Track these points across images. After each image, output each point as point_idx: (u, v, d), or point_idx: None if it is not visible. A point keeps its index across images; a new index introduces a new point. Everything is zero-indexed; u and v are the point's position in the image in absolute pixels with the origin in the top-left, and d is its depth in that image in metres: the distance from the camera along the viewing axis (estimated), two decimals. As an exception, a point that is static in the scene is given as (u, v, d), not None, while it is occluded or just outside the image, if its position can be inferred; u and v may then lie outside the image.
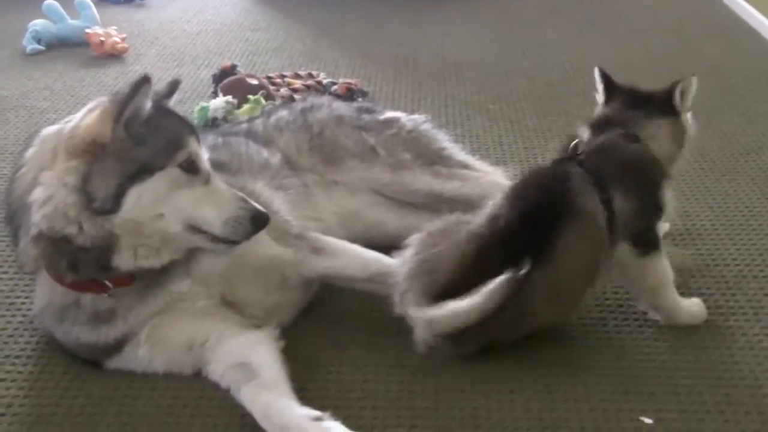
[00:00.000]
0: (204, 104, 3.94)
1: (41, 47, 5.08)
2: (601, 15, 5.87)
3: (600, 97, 2.58)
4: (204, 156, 2.22)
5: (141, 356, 2.22)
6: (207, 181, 2.20)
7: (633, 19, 5.75)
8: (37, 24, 5.17)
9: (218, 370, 2.18)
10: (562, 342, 2.37)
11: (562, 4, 6.13)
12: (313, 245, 2.40)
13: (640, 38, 5.34)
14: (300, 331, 2.35)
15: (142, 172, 2.07)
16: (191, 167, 2.16)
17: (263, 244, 2.31)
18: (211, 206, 2.17)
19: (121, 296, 2.17)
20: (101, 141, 2.05)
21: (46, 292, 2.25)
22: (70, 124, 2.13)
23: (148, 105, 2.11)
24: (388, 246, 2.72)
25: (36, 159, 2.14)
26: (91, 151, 2.06)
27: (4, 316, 2.52)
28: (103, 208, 2.05)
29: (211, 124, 3.84)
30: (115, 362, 2.25)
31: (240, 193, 2.25)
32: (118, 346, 2.21)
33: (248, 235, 2.20)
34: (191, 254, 2.23)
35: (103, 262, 2.11)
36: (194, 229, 2.16)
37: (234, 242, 2.20)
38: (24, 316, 2.50)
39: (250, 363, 2.15)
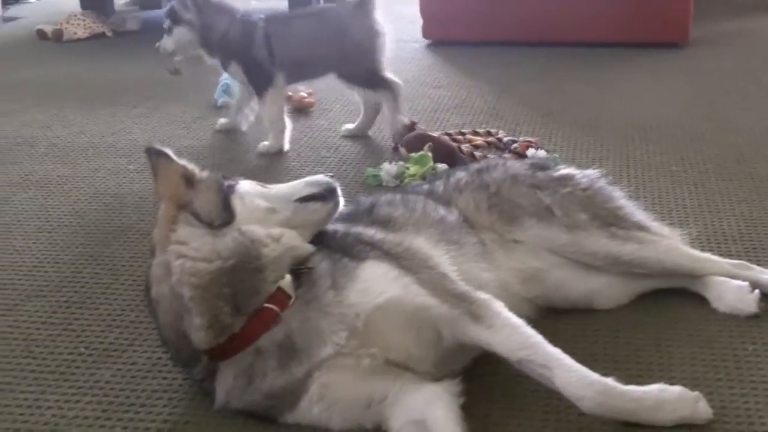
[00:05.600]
0: (374, 171, 4.03)
1: (231, 100, 5.27)
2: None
3: None
4: None
5: (316, 415, 2.22)
6: None
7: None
8: (228, 78, 5.37)
9: (395, 426, 2.17)
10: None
11: (747, 68, 5.96)
12: (473, 310, 2.25)
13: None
14: (475, 388, 2.30)
15: (226, 186, 2.35)
16: None
17: (413, 292, 2.29)
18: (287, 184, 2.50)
19: (290, 322, 2.23)
20: (185, 183, 2.31)
21: (226, 376, 2.28)
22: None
23: None
24: (570, 310, 2.71)
25: (162, 287, 2.27)
26: (182, 203, 2.29)
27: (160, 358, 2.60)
28: (223, 219, 2.26)
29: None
30: (290, 418, 2.26)
31: None
32: (297, 394, 2.22)
33: (329, 184, 2.46)
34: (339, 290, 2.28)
35: (255, 265, 2.24)
36: (303, 200, 2.40)
37: (332, 193, 2.45)
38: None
39: (426, 420, 2.11)
